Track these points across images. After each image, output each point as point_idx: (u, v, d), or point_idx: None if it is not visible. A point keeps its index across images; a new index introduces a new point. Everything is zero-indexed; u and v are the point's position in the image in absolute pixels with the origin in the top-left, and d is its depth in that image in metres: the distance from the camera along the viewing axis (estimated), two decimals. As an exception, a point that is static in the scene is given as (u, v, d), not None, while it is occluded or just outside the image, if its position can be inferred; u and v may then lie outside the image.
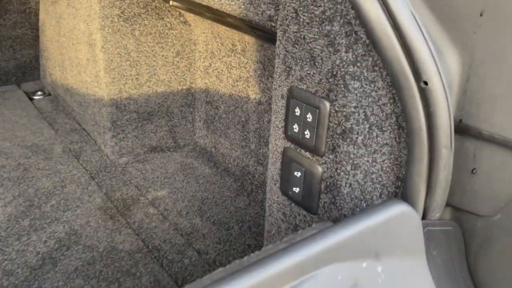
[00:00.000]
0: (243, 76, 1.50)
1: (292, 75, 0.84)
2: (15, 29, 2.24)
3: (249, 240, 1.37)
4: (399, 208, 0.73)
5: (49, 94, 2.30)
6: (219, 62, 1.60)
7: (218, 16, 1.28)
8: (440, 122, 0.74)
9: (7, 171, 1.64)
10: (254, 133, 1.52)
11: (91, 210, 1.47)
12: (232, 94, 1.57)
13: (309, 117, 0.81)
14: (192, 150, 1.84)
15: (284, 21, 0.82)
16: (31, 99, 2.24)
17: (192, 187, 1.62)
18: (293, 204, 0.92)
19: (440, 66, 0.72)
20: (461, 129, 0.81)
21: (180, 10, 1.62)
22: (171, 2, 1.56)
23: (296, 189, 0.88)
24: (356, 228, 0.68)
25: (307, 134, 0.82)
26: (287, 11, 0.81)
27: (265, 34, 1.18)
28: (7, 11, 2.17)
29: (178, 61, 1.72)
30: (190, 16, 1.63)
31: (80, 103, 1.93)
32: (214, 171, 1.71)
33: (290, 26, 0.81)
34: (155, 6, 1.60)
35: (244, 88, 1.51)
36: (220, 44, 1.57)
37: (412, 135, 0.76)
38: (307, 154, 0.85)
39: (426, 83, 0.72)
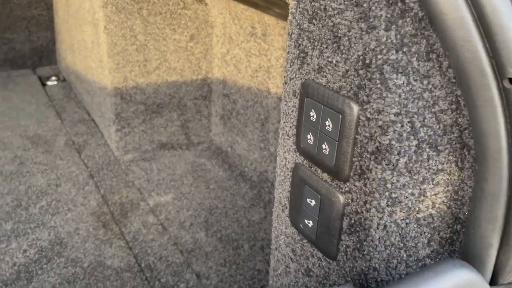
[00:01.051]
0: (263, 65, 1.26)
1: (308, 64, 0.59)
2: (30, 9, 2.09)
3: (260, 264, 1.14)
4: (460, 275, 0.48)
5: (64, 80, 2.15)
6: (238, 49, 1.36)
7: (231, -9, 1.04)
8: (532, 142, 0.47)
9: (1, 164, 1.48)
10: (274, 134, 1.28)
11: (83, 215, 1.29)
12: (251, 86, 1.34)
13: (329, 125, 0.56)
14: (206, 149, 1.62)
15: (298, -15, 0.58)
16: (44, 85, 2.10)
17: (201, 193, 1.40)
18: (305, 241, 0.67)
19: (538, 55, 0.45)
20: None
21: (195, -13, 1.39)
22: (184, -23, 1.34)
23: (309, 222, 0.64)
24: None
25: (325, 148, 0.58)
26: (303, -29, 0.56)
27: (284, 11, 0.93)
28: (21, -11, 2.03)
29: (192, 47, 1.49)
30: (206, -6, 1.40)
31: (88, 91, 1.75)
32: (229, 174, 1.48)
33: (306, -7, 0.56)
34: (166, -18, 1.39)
35: (265, 79, 1.27)
36: (238, 27, 1.33)
37: (483, 160, 0.50)
38: (325, 176, 0.60)
39: (513, 80, 0.45)
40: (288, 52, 0.63)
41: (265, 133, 1.32)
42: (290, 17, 0.62)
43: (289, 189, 0.68)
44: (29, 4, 2.07)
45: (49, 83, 2.11)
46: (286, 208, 0.70)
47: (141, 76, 1.47)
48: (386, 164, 0.51)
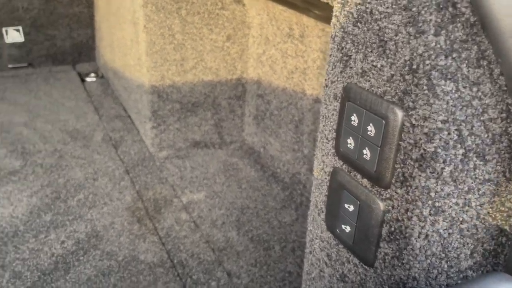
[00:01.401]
0: (299, 67, 1.26)
1: (351, 68, 0.58)
2: (72, 6, 2.16)
3: (291, 266, 1.14)
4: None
5: (102, 77, 2.21)
6: (274, 49, 1.36)
7: (270, -8, 1.04)
8: None
9: (41, 157, 1.54)
10: (308, 135, 1.27)
11: (118, 210, 1.32)
12: (286, 87, 1.33)
13: (371, 130, 0.55)
14: (238, 149, 1.63)
15: (344, -12, 0.57)
16: (83, 81, 2.16)
17: (233, 192, 1.41)
18: (341, 246, 0.67)
19: None
20: None
21: (233, -13, 1.40)
22: (223, -22, 1.35)
23: (346, 228, 0.63)
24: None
25: (366, 154, 0.57)
26: (349, -26, 0.56)
27: (324, 13, 0.92)
28: (65, -12, 2.10)
29: (228, 47, 1.50)
30: (244, -6, 1.41)
31: (125, 88, 1.79)
32: (261, 175, 1.48)
33: (352, -4, 0.56)
34: (205, -18, 1.40)
35: (300, 81, 1.26)
36: (276, 28, 1.33)
37: (534, 171, 0.48)
38: (365, 181, 0.59)
39: None
40: (331, 55, 0.62)
41: (299, 134, 1.32)
42: (333, 19, 0.61)
43: (326, 193, 0.68)
44: (71, 2, 2.14)
45: (88, 79, 2.17)
46: (322, 212, 0.70)
47: (178, 75, 1.49)
48: (430, 172, 0.50)
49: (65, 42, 2.21)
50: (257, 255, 1.17)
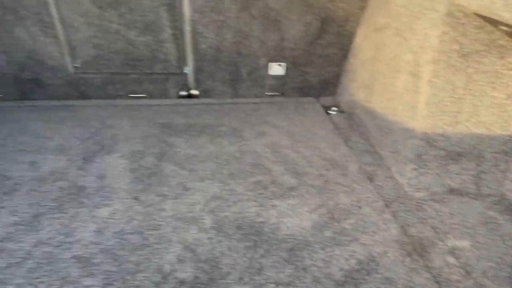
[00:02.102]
0: None
1: None
2: (327, 48, 2.45)
3: None
4: None
5: (343, 112, 2.44)
6: None
7: None
8: None
9: (311, 179, 1.79)
10: None
11: (387, 240, 1.47)
12: None
13: None
14: (497, 203, 1.64)
15: None
16: (327, 113, 2.42)
17: (499, 248, 1.44)
18: None
19: None
20: None
21: (529, 50, 1.45)
22: (519, 41, 1.41)
23: None
24: None
25: None
26: None
27: None
28: (326, 32, 2.40)
29: (508, 104, 1.55)
30: (538, 58, 1.44)
31: (380, 127, 1.96)
32: (527, 235, 1.48)
33: None
34: (500, 44, 1.48)
35: None
36: None
37: None
38: None
39: None
40: None
41: None
42: None
43: None
44: (328, 45, 2.43)
45: (331, 112, 2.43)
46: None
47: (450, 125, 1.60)
48: None
49: (315, 78, 2.52)
50: (539, 317, 1.19)
